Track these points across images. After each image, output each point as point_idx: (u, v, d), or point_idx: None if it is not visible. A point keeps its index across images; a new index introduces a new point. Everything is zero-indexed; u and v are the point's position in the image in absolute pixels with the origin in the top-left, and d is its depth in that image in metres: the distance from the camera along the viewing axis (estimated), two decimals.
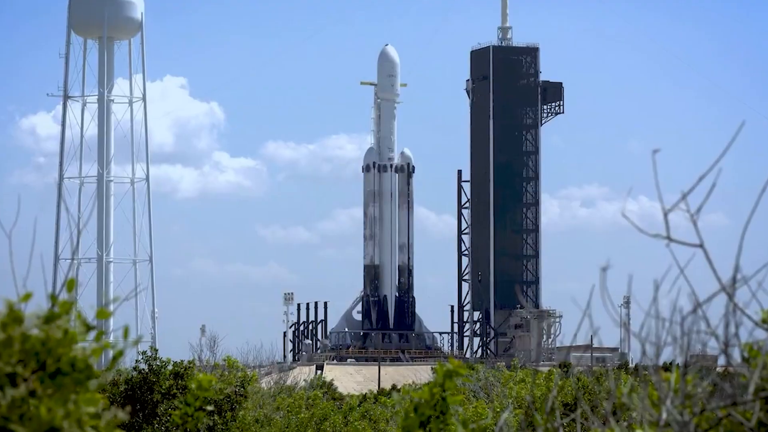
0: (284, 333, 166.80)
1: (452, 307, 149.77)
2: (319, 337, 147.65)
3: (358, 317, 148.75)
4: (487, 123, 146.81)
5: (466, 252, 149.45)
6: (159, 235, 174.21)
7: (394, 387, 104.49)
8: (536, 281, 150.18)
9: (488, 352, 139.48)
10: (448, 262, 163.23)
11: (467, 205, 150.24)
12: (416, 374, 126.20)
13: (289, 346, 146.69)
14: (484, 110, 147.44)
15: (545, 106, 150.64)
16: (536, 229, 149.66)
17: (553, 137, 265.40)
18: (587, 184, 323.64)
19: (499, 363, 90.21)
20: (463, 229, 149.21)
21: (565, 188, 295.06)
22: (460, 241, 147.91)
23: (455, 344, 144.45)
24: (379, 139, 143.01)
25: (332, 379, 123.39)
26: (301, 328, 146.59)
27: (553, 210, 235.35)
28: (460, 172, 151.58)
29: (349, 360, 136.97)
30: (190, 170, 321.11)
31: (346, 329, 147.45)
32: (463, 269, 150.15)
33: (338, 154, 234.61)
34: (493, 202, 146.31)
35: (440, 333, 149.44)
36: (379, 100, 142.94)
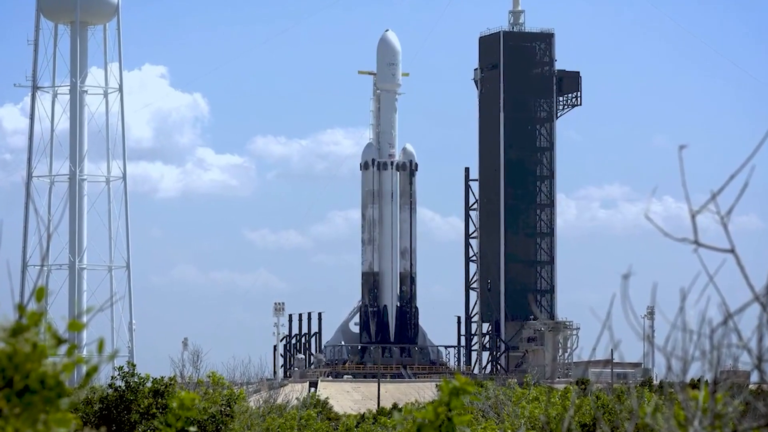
0: (274, 347, 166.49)
1: (459, 318, 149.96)
2: (313, 351, 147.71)
3: (356, 329, 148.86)
4: (497, 116, 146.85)
5: (474, 258, 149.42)
6: (137, 240, 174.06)
7: (395, 406, 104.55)
8: (551, 290, 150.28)
9: (498, 367, 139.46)
10: (454, 269, 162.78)
11: (475, 206, 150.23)
12: (419, 392, 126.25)
13: (280, 361, 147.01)
14: (493, 102, 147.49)
15: (561, 98, 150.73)
16: (551, 232, 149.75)
17: (570, 132, 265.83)
18: (607, 184, 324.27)
19: (510, 380, 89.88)
20: (470, 232, 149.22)
21: (583, 188, 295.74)
22: (467, 245, 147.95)
23: (462, 359, 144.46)
24: (378, 133, 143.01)
25: (327, 398, 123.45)
26: (293, 341, 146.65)
27: (570, 212, 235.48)
28: (467, 170, 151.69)
29: (345, 376, 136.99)
30: (171, 168, 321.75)
31: (343, 343, 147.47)
32: (470, 277, 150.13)
33: (334, 151, 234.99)
34: (504, 203, 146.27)
35: (446, 347, 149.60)
36: (378, 91, 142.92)
